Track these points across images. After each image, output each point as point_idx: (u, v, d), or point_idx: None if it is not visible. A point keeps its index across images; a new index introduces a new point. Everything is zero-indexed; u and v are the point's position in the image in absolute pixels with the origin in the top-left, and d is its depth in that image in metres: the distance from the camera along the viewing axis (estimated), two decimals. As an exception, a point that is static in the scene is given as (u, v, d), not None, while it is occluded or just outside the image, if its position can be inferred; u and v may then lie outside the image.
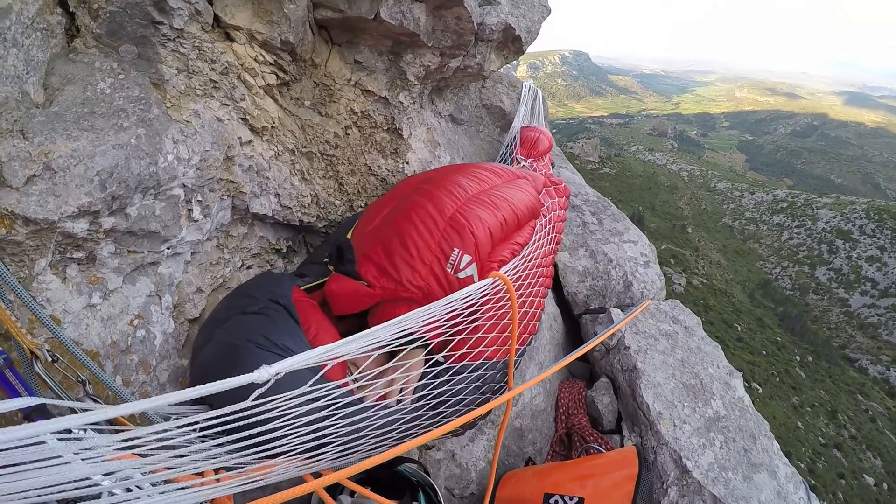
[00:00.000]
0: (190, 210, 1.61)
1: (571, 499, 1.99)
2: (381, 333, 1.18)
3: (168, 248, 1.57)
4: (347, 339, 1.09)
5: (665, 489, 2.29)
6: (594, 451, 2.51)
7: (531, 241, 2.20)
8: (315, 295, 1.86)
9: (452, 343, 1.78)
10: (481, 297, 1.63)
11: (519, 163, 3.18)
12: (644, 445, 2.49)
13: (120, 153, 1.31)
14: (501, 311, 1.82)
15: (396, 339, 1.25)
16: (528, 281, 2.09)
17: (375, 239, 1.80)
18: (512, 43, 2.97)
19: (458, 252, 1.75)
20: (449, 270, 1.76)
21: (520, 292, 2.01)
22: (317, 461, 1.27)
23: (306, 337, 1.50)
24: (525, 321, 2.07)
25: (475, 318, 1.76)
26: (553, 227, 2.57)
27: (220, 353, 1.39)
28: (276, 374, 0.90)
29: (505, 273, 1.74)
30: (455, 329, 1.70)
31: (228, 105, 1.74)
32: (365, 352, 1.17)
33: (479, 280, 1.68)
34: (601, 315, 3.10)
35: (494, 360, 1.86)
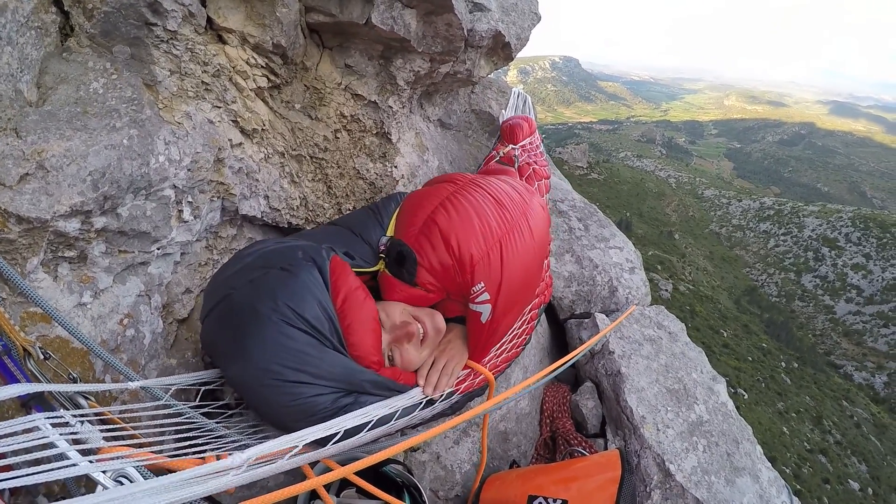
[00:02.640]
0: (180, 211, 1.61)
1: (555, 501, 2.01)
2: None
3: (158, 249, 1.57)
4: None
5: (648, 492, 2.32)
6: (578, 455, 2.54)
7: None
8: (364, 277, 1.81)
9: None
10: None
11: (506, 146, 2.97)
12: (628, 449, 2.52)
13: (112, 153, 1.32)
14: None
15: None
16: (522, 328, 2.10)
17: (424, 241, 1.78)
18: (501, 49, 2.99)
19: (482, 286, 1.74)
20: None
21: (513, 342, 2.05)
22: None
23: (333, 305, 1.43)
24: (511, 352, 2.10)
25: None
26: None
27: (239, 313, 1.35)
28: (248, 459, 0.91)
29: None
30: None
31: (220, 107, 1.75)
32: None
33: (485, 319, 1.75)
34: (586, 320, 3.14)
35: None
